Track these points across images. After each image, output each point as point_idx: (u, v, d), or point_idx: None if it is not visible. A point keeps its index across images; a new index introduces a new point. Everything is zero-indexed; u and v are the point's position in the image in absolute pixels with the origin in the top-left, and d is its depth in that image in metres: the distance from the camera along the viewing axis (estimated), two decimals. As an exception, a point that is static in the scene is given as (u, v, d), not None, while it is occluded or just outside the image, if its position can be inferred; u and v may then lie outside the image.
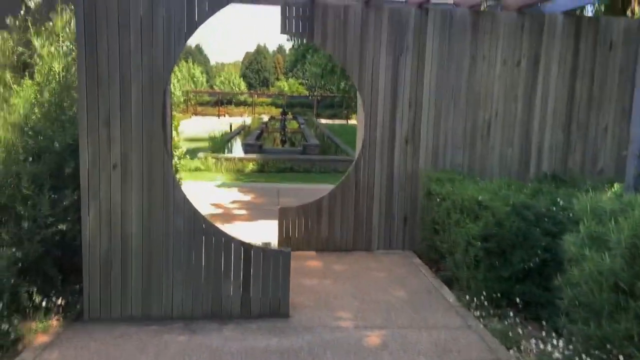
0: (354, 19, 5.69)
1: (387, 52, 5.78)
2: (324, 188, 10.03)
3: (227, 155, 15.75)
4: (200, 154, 15.37)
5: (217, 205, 8.42)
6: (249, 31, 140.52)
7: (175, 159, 7.28)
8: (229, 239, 4.04)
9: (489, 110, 5.99)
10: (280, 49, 78.01)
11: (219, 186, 10.41)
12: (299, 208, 5.99)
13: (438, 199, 4.92)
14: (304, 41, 29.24)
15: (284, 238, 5.98)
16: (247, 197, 9.12)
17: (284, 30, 5.63)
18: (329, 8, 5.64)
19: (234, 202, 8.74)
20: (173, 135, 7.55)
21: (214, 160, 14.99)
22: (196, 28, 3.92)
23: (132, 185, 3.93)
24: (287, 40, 29.56)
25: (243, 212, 8.01)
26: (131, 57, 3.82)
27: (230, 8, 4.67)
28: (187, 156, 15.06)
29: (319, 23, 5.62)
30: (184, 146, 9.43)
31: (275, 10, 5.89)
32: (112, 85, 3.82)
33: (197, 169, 14.46)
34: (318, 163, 15.26)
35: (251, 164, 14.98)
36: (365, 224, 6.03)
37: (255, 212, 8.00)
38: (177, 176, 7.52)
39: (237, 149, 18.27)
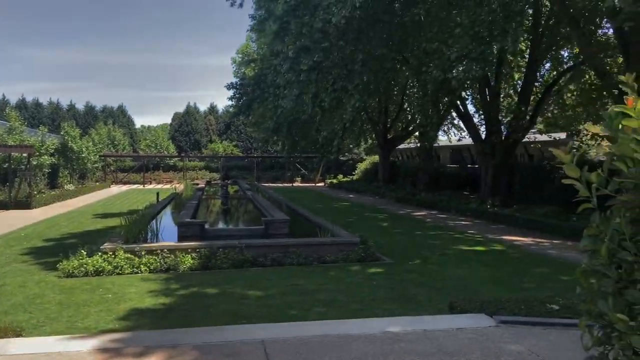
0: None
1: None
2: (359, 336, 4.27)
3: (150, 244, 10.03)
4: (106, 246, 9.56)
5: None
6: (178, 89, 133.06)
7: None
8: None
9: None
10: (213, 109, 73.18)
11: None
12: None
13: None
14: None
15: None
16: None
17: None
18: None
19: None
20: None
21: (127, 254, 9.27)
22: None
23: None
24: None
25: None
26: None
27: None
28: (84, 251, 9.27)
29: None
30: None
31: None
32: None
33: (98, 272, 8.71)
34: (294, 249, 9.94)
35: (190, 256, 9.44)
36: None
37: None
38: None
39: (167, 230, 12.55)
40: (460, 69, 11.59)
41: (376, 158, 34.66)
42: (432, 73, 12.22)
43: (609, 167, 2.16)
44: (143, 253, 9.34)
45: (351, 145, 37.69)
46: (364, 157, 40.79)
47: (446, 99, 17.51)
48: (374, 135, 32.43)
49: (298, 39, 13.18)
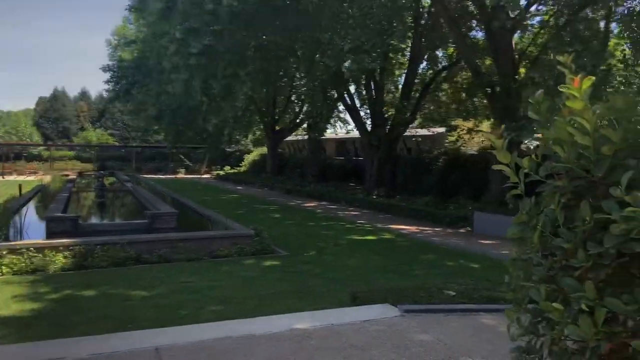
0: None
1: None
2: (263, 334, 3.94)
3: (12, 243, 8.77)
4: (-44, 246, 8.18)
5: None
6: (42, 72, 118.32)
7: None
8: None
9: None
10: (84, 94, 67.40)
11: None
12: None
13: None
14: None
15: None
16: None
17: None
18: None
19: None
20: None
21: (-16, 256, 8.02)
22: None
23: None
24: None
25: None
26: None
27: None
28: None
29: None
30: None
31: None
32: None
33: (-54, 277, 7.42)
34: (182, 244, 9.34)
35: (61, 255, 8.44)
36: None
37: None
38: None
39: (34, 226, 11.10)
40: (352, 60, 11.71)
41: (264, 150, 34.32)
42: (325, 63, 12.22)
43: (542, 153, 2.11)
44: (4, 253, 8.14)
45: (238, 136, 36.98)
46: (252, 149, 40.23)
47: (334, 91, 17.73)
48: (262, 126, 32.04)
49: (186, 19, 12.39)
